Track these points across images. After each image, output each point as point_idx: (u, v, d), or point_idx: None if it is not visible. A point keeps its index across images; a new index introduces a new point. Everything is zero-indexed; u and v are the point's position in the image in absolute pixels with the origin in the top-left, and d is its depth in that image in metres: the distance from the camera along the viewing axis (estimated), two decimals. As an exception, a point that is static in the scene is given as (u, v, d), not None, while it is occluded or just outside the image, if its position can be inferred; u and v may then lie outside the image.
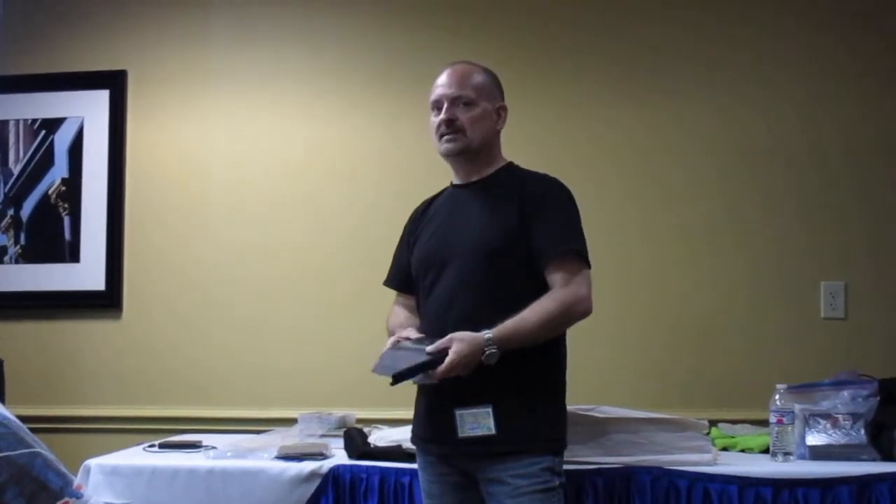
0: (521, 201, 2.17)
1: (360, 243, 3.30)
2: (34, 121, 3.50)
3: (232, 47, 3.44)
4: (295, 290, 3.33)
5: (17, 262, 3.48)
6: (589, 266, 2.17)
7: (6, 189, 3.49)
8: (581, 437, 2.38)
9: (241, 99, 3.42)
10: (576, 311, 2.11)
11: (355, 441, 2.61)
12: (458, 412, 2.10)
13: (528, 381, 2.12)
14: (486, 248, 2.15)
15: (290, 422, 3.01)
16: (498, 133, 2.29)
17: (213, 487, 2.49)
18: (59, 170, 3.47)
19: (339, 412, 2.97)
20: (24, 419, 1.44)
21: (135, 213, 3.44)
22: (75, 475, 1.45)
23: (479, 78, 2.26)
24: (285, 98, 3.41)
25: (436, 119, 2.24)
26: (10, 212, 3.49)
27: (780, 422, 2.47)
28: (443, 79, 2.26)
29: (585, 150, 3.24)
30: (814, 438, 2.50)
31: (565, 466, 2.19)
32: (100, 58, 3.49)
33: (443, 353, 2.01)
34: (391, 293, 2.47)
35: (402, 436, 2.57)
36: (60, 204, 3.46)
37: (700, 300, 3.16)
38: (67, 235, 3.45)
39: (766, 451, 2.57)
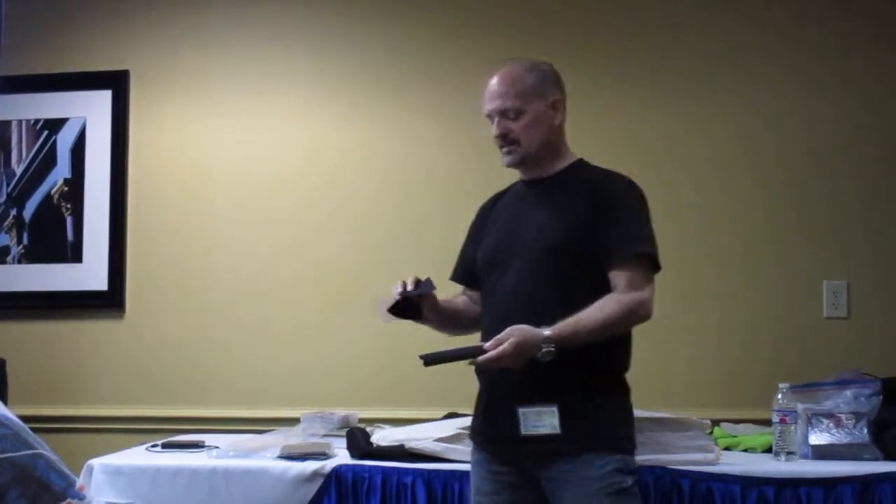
0: (591, 199, 2.14)
1: (362, 244, 3.30)
2: (37, 121, 3.50)
3: (234, 48, 3.43)
4: (297, 291, 3.33)
5: (19, 262, 3.48)
6: (656, 270, 2.14)
7: (9, 189, 3.50)
8: (583, 437, 2.37)
9: (243, 99, 3.42)
10: (637, 316, 2.08)
11: (358, 441, 2.61)
12: (521, 410, 2.06)
13: (594, 379, 2.08)
14: (551, 245, 2.11)
15: (293, 421, 3.01)
16: (558, 128, 2.23)
17: (216, 487, 2.49)
18: (62, 170, 3.47)
19: (341, 412, 2.96)
20: (26, 419, 1.44)
21: (137, 214, 3.44)
22: (78, 475, 1.45)
23: (524, 80, 2.20)
24: (288, 99, 3.41)
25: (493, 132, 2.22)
26: (13, 212, 3.49)
27: (782, 421, 2.47)
28: (489, 90, 2.21)
29: (589, 149, 3.22)
30: (817, 438, 2.49)
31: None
32: (102, 58, 3.49)
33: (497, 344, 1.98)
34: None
35: (404, 435, 2.57)
36: (63, 204, 3.46)
37: (702, 299, 3.15)
38: (70, 236, 3.45)
39: (768, 450, 2.56)
